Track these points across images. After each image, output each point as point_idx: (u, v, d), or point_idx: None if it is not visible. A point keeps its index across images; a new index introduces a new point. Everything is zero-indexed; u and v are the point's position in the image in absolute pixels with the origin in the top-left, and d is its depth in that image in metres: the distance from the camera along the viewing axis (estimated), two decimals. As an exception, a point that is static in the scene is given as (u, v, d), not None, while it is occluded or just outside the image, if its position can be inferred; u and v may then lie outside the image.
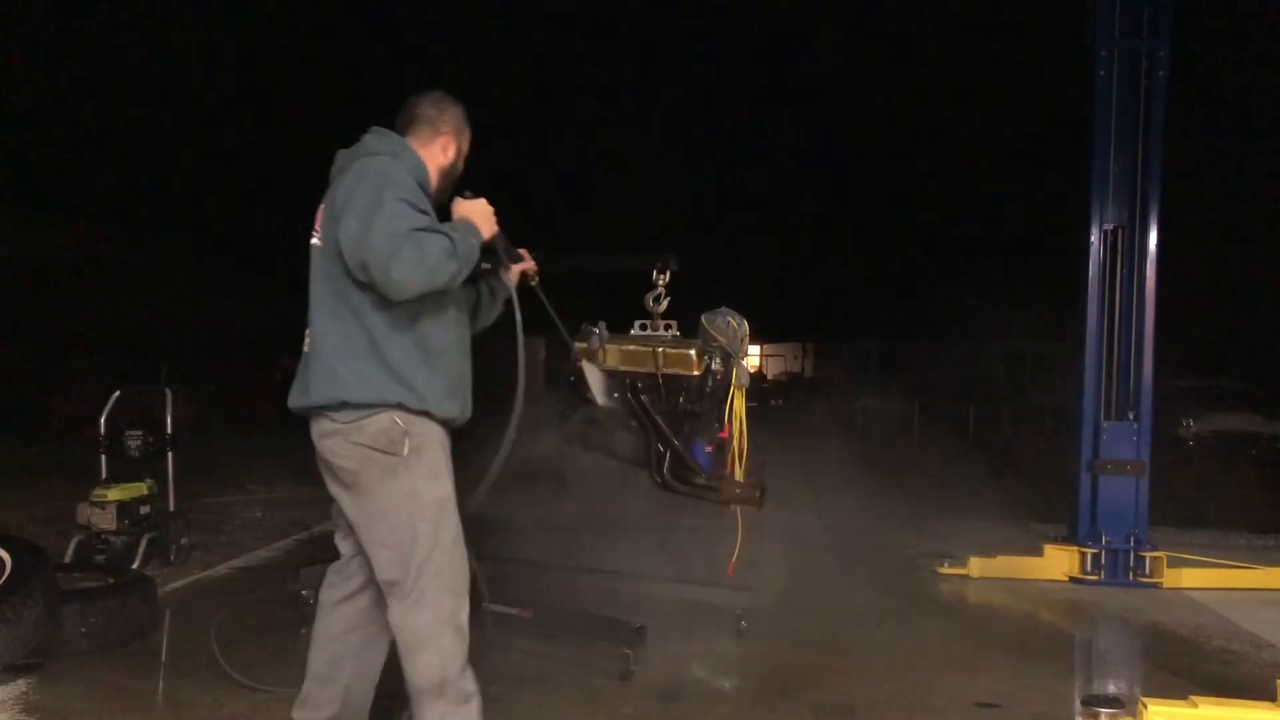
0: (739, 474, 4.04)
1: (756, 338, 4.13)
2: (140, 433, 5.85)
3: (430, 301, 2.79)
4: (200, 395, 12.75)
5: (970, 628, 5.12)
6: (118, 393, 5.95)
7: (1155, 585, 5.83)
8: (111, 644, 4.14)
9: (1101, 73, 5.86)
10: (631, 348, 4.06)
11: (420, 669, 2.81)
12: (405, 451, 2.77)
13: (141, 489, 5.72)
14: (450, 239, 2.73)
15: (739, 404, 4.00)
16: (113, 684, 3.82)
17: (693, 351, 3.98)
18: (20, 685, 3.74)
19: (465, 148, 3.12)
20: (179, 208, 22.25)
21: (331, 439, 2.82)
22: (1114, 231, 5.91)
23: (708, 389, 4.01)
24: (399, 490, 2.79)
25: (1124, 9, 5.83)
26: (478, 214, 2.95)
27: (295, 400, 2.87)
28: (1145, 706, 3.07)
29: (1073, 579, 5.94)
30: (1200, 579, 5.90)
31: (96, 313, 18.09)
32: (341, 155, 2.93)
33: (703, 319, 4.06)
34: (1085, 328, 5.92)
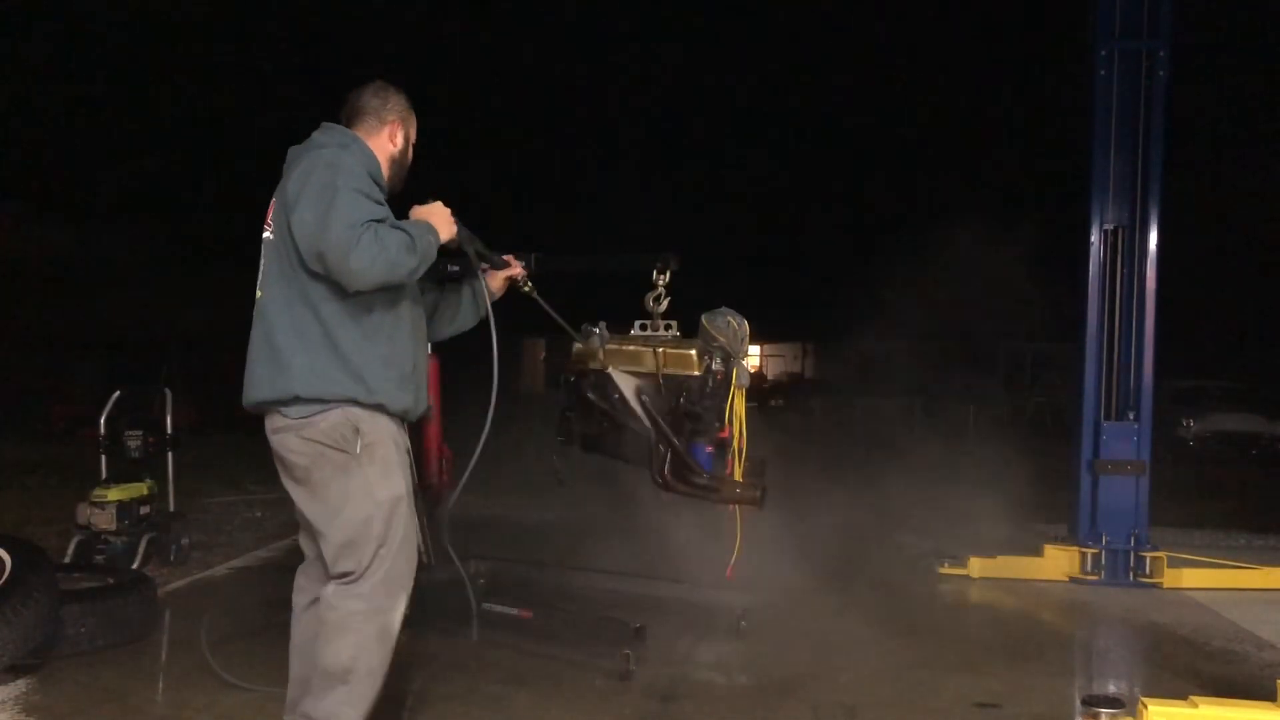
0: (739, 474, 4.04)
1: (756, 338, 4.13)
2: (140, 433, 5.84)
3: (384, 294, 2.81)
4: (200, 395, 12.74)
5: (970, 628, 5.12)
6: (118, 393, 5.94)
7: (1155, 585, 5.83)
8: (111, 644, 4.14)
9: (1101, 73, 5.85)
10: (631, 348, 4.06)
11: (333, 652, 2.81)
12: (358, 449, 2.80)
13: (141, 489, 5.72)
14: (409, 234, 2.74)
15: (739, 404, 4.00)
16: (112, 685, 3.82)
17: (693, 351, 3.98)
18: (20, 685, 3.74)
19: (413, 134, 3.13)
20: (179, 208, 22.25)
21: (284, 434, 2.84)
22: (1114, 231, 5.91)
23: (708, 389, 4.01)
24: (351, 487, 2.82)
25: (1124, 9, 5.82)
26: (435, 215, 2.97)
27: (247, 396, 2.88)
28: (1145, 706, 3.07)
29: (1073, 579, 5.93)
30: (1200, 579, 5.89)
31: (96, 313, 18.09)
32: (292, 151, 2.94)
33: (703, 319, 4.06)
34: (1085, 328, 5.92)
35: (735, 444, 4.03)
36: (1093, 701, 3.28)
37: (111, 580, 4.66)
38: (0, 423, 13.82)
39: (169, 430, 5.95)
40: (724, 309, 4.07)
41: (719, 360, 3.99)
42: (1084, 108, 6.03)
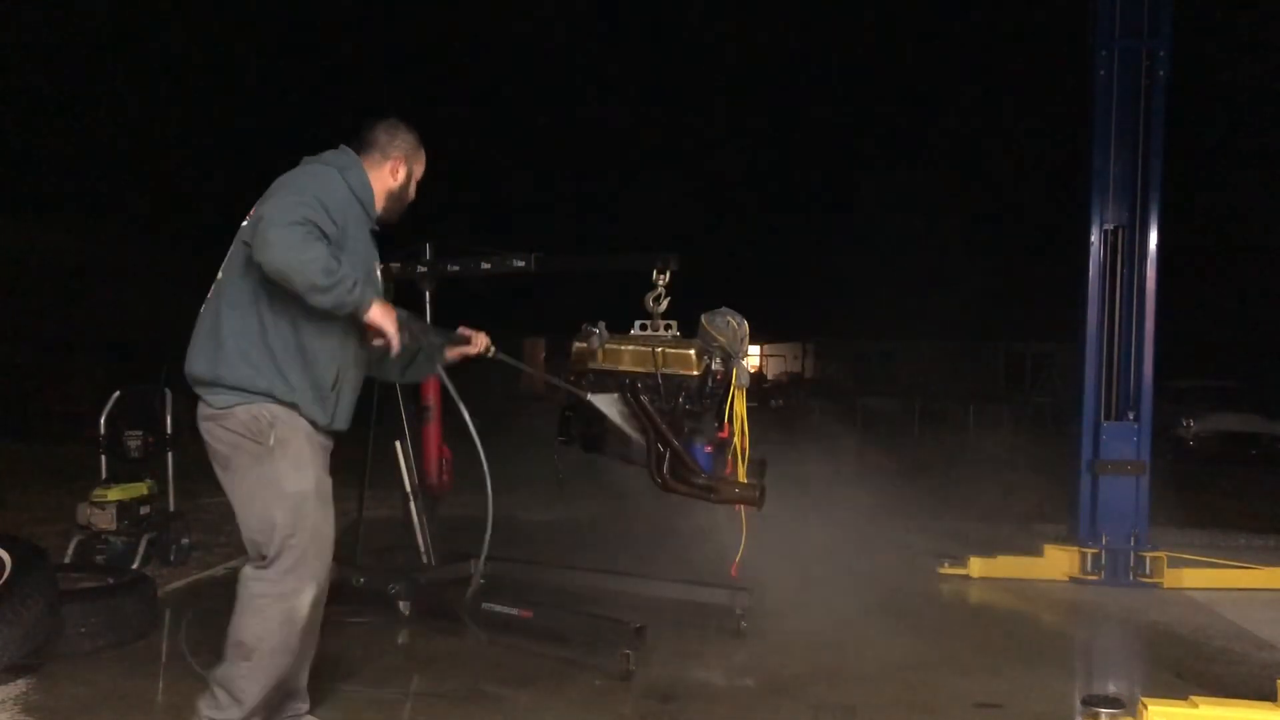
0: (740, 474, 4.04)
1: (756, 338, 4.14)
2: (140, 433, 5.84)
3: (319, 313, 2.90)
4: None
5: (970, 628, 5.12)
6: (118, 393, 5.94)
7: (1155, 585, 5.82)
8: (111, 644, 4.14)
9: (1101, 73, 5.85)
10: (631, 348, 4.07)
11: (240, 628, 2.98)
12: (271, 442, 2.95)
13: (141, 489, 5.71)
14: (340, 266, 2.83)
15: (739, 404, 4.01)
16: (112, 684, 3.82)
17: (692, 351, 3.98)
18: (20, 685, 3.74)
19: (418, 171, 3.30)
20: (179, 208, 22.24)
21: (209, 423, 3.02)
22: (1114, 231, 5.91)
23: (708, 389, 4.01)
24: (263, 476, 2.98)
25: (1124, 9, 5.82)
26: (381, 307, 3.01)
27: (187, 366, 3.04)
28: (1145, 706, 3.07)
29: (1073, 579, 5.93)
30: (1200, 579, 5.89)
31: (96, 313, 18.08)
32: (304, 160, 3.12)
33: (703, 319, 4.07)
34: (1085, 328, 5.92)
35: (736, 443, 4.04)
36: (1093, 701, 3.29)
37: (112, 580, 4.66)
38: (0, 423, 13.82)
39: (169, 430, 5.94)
40: (724, 309, 4.07)
41: (719, 360, 4.00)
42: (1084, 107, 6.04)
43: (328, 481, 3.10)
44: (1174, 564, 5.89)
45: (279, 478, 2.97)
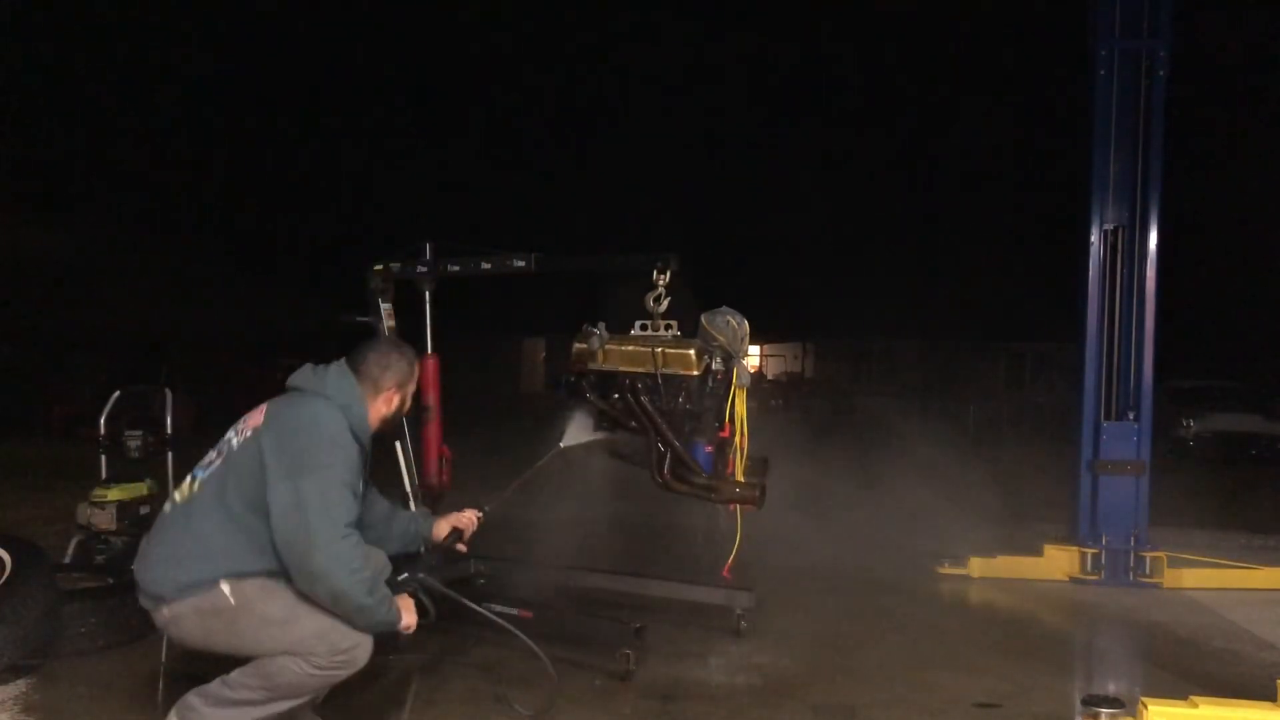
0: (740, 474, 4.04)
1: (756, 337, 4.14)
2: (140, 433, 5.84)
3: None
4: (200, 395, 12.73)
5: (970, 628, 5.12)
6: (118, 393, 5.94)
7: (1155, 585, 5.83)
8: (111, 644, 4.14)
9: (1101, 73, 5.85)
10: (631, 348, 4.06)
11: (276, 665, 2.94)
12: (234, 601, 2.92)
13: (141, 489, 5.71)
14: (381, 592, 2.92)
15: (740, 404, 4.00)
16: (112, 684, 3.82)
17: (692, 351, 3.98)
18: (20, 685, 3.74)
19: (411, 389, 3.34)
20: (179, 208, 22.24)
21: (169, 622, 3.03)
22: (1114, 231, 5.91)
23: (708, 389, 4.01)
24: (250, 629, 2.97)
25: (1124, 9, 5.83)
26: (403, 602, 3.09)
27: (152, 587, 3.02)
28: (1145, 706, 3.07)
29: (1073, 579, 5.93)
30: (1200, 579, 5.89)
31: (96, 313, 18.08)
32: (304, 374, 3.13)
33: (703, 319, 4.06)
34: (1085, 328, 5.92)
35: (736, 443, 4.03)
36: (1093, 701, 3.28)
37: (112, 580, 4.66)
38: (0, 423, 13.82)
39: (169, 430, 5.94)
40: (724, 309, 4.07)
41: (719, 360, 4.00)
42: (1084, 107, 6.04)
43: None
44: (1174, 564, 5.90)
45: (265, 621, 2.92)
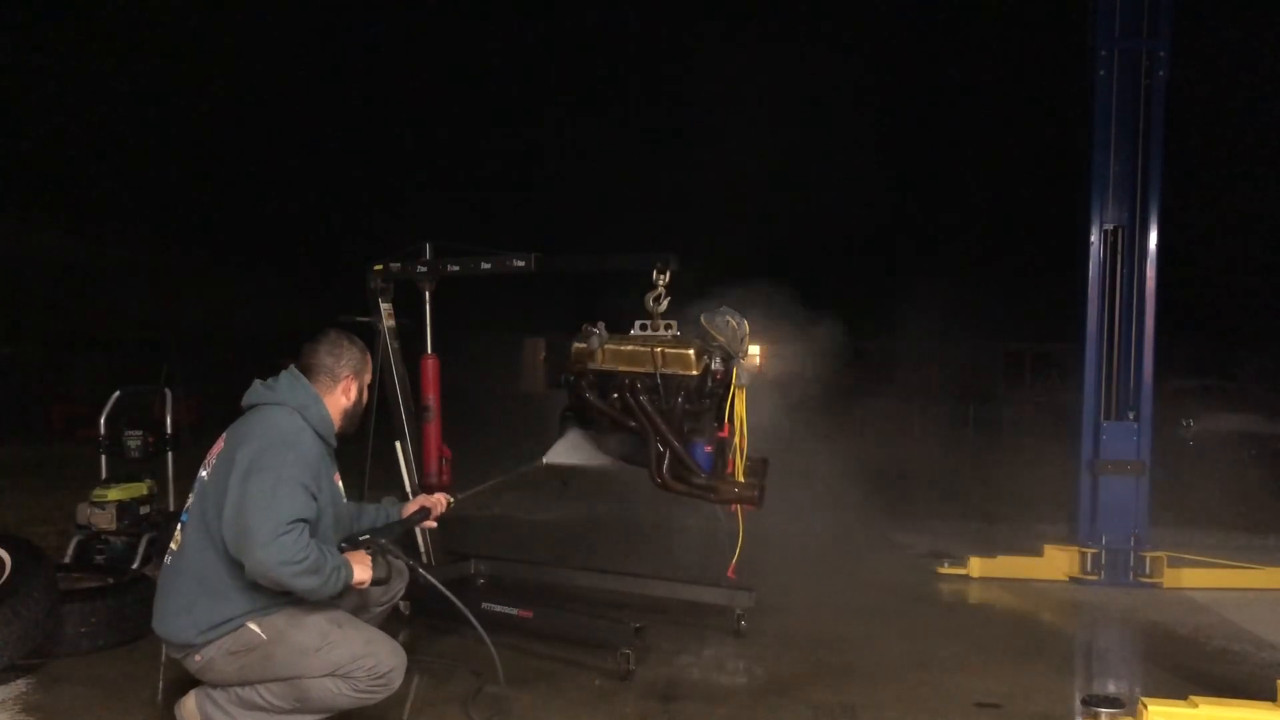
0: (739, 474, 4.04)
1: (756, 337, 4.13)
2: (140, 433, 5.85)
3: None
4: (200, 395, 12.74)
5: (970, 628, 5.12)
6: (118, 393, 5.95)
7: (1155, 585, 5.83)
8: (111, 644, 4.15)
9: (1101, 73, 5.86)
10: (630, 348, 4.06)
11: (310, 684, 3.01)
12: (266, 636, 2.99)
13: (141, 489, 5.72)
14: (329, 563, 2.90)
15: (740, 404, 4.00)
16: (113, 684, 3.82)
17: (691, 351, 3.97)
18: (20, 685, 3.75)
19: (367, 378, 3.34)
20: (179, 208, 22.24)
21: (200, 665, 3.08)
22: (1114, 231, 5.91)
23: (707, 389, 4.00)
24: (286, 662, 3.03)
25: (1124, 9, 5.83)
26: (356, 558, 3.09)
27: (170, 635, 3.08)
28: (1145, 706, 3.07)
29: (1073, 579, 5.94)
30: (1200, 579, 5.89)
31: (96, 313, 18.08)
32: (254, 392, 3.15)
33: (702, 319, 4.06)
34: (1085, 328, 5.92)
35: (736, 443, 4.03)
36: (1093, 701, 3.28)
37: (112, 580, 4.66)
38: (0, 423, 13.82)
39: (169, 430, 5.95)
40: (724, 308, 4.07)
41: (719, 360, 3.99)
42: (1084, 107, 6.04)
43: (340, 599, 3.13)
44: (1174, 564, 5.90)
45: (299, 650, 2.97)
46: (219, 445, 3.11)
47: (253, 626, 2.96)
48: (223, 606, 2.96)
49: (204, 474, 3.09)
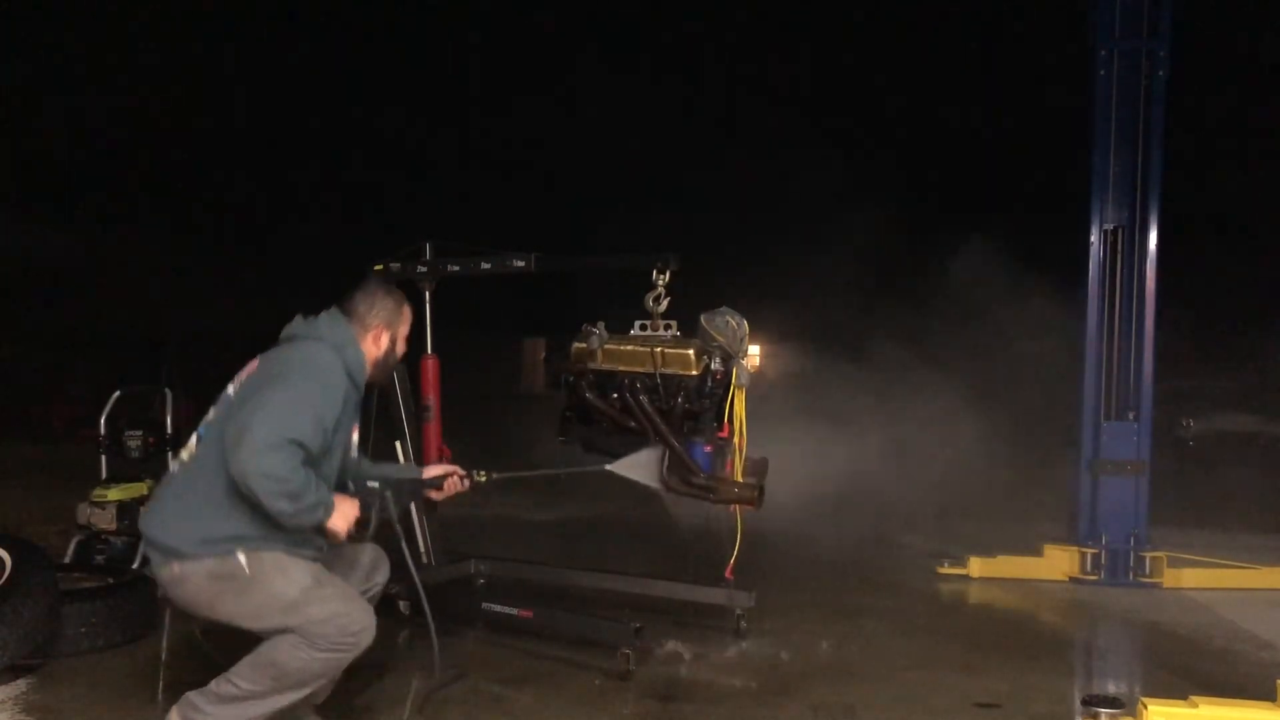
0: (739, 474, 4.04)
1: (757, 337, 4.14)
2: (140, 433, 5.84)
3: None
4: (201, 395, 12.73)
5: (970, 628, 5.12)
6: (117, 393, 5.94)
7: (1155, 585, 5.83)
8: (111, 644, 4.14)
9: (1101, 73, 5.86)
10: (630, 348, 4.06)
11: (280, 653, 2.97)
12: (248, 572, 2.96)
13: (141, 489, 5.71)
14: (310, 488, 2.86)
15: (739, 404, 4.00)
16: (113, 684, 3.82)
17: (691, 352, 3.98)
18: (20, 685, 3.74)
19: (403, 331, 3.36)
20: (179, 208, 22.24)
21: (175, 582, 3.05)
22: (1114, 231, 5.91)
23: (707, 389, 4.01)
24: (253, 602, 3.01)
25: (1124, 9, 5.83)
26: (343, 505, 3.06)
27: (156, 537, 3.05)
28: (1145, 706, 3.07)
29: (1073, 579, 5.94)
30: (1200, 579, 5.89)
31: (96, 313, 18.08)
32: (295, 323, 3.16)
33: (702, 319, 4.06)
34: (1085, 328, 5.93)
35: (736, 443, 4.04)
36: (1093, 701, 3.28)
37: (112, 580, 4.66)
38: (0, 423, 13.82)
39: (169, 430, 5.94)
40: (724, 309, 4.07)
41: (718, 360, 4.00)
42: (1084, 108, 6.04)
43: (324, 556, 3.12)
44: (1174, 564, 5.90)
45: (273, 597, 2.94)
46: (252, 366, 3.09)
47: (240, 557, 2.91)
48: (223, 524, 2.91)
49: (230, 390, 3.07)
